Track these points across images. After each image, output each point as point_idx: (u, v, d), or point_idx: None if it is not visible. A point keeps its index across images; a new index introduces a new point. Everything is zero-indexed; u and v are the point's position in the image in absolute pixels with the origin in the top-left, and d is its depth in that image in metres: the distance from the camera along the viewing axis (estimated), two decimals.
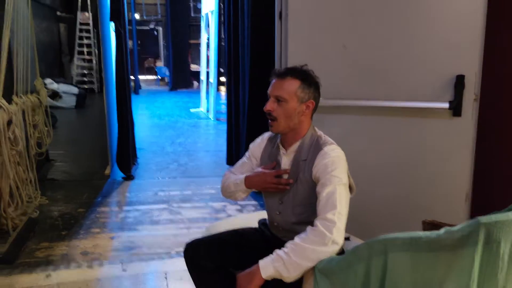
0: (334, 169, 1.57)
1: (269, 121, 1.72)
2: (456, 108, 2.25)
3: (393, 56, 2.34)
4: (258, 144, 1.91)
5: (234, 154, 5.13)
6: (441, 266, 1.12)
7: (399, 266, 1.16)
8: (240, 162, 1.95)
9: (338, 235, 1.46)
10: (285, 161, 1.77)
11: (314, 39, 2.42)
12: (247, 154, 1.94)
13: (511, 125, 2.34)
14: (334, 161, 1.60)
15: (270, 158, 1.83)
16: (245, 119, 4.45)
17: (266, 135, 1.90)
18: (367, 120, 2.42)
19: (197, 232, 3.43)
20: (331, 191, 1.53)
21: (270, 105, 1.68)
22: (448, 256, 1.11)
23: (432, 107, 2.28)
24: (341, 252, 1.76)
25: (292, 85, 1.67)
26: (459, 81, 2.23)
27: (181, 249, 3.11)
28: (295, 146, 1.74)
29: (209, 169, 5.52)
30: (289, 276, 1.50)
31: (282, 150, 1.78)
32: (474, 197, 2.39)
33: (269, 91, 1.71)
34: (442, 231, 1.12)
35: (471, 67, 2.23)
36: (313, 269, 1.47)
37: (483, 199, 2.42)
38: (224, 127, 8.46)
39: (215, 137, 7.75)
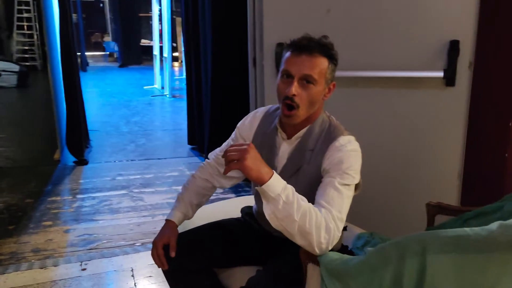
0: (349, 166, 1.30)
1: (286, 108, 1.35)
2: (449, 77, 2.06)
3: (382, 21, 2.11)
4: (250, 123, 1.58)
5: (196, 133, 4.82)
6: (493, 269, 0.92)
7: (440, 271, 0.94)
8: (225, 143, 1.66)
9: (332, 243, 1.21)
10: (285, 148, 1.46)
11: (293, 2, 2.15)
12: (233, 134, 1.63)
13: (503, 95, 2.19)
14: (351, 156, 1.32)
15: (264, 141, 1.51)
16: (209, 96, 4.13)
17: (260, 111, 1.59)
18: (353, 92, 2.19)
19: (163, 220, 3.14)
20: (341, 190, 1.26)
21: (296, 89, 1.33)
22: (502, 256, 0.91)
23: (426, 76, 2.08)
24: (342, 248, 1.55)
25: (322, 64, 1.34)
26: (453, 47, 2.04)
27: (147, 240, 2.88)
28: (301, 133, 1.44)
29: (170, 150, 5.18)
30: (275, 214, 1.18)
31: (281, 135, 1.47)
32: (464, 174, 2.24)
33: (290, 68, 1.33)
34: (494, 226, 0.91)
35: (466, 31, 2.04)
36: (318, 269, 1.24)
37: (474, 176, 2.27)
38: (181, 104, 8.15)
39: (172, 115, 7.37)
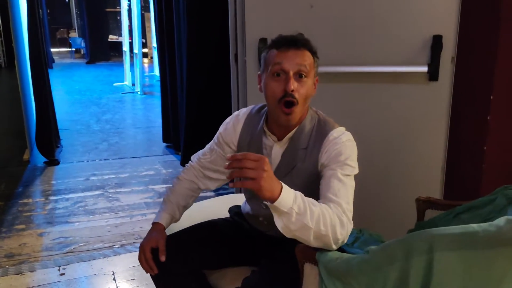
0: (348, 157, 1.28)
1: (285, 106, 1.30)
2: (433, 72, 2.07)
3: (365, 16, 2.10)
4: (233, 126, 1.51)
5: (171, 131, 4.73)
6: (500, 263, 0.91)
7: (447, 268, 0.93)
8: (208, 147, 1.59)
9: (347, 235, 1.19)
10: (277, 150, 1.41)
11: None
12: (216, 139, 1.56)
13: (482, 89, 2.22)
14: (347, 146, 1.31)
15: (252, 145, 1.45)
16: (184, 94, 4.04)
17: (242, 113, 1.52)
18: (337, 88, 2.18)
19: (142, 220, 3.07)
20: (344, 181, 1.24)
21: (293, 83, 1.28)
22: (509, 250, 0.90)
23: (410, 71, 2.09)
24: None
25: (310, 57, 1.33)
26: (436, 42, 2.05)
27: (127, 241, 2.80)
28: (291, 133, 1.39)
29: (144, 148, 5.07)
30: (289, 228, 1.11)
31: (271, 138, 1.42)
32: (447, 167, 2.27)
33: (283, 64, 1.29)
34: (502, 222, 0.90)
35: (449, 26, 2.05)
36: (315, 268, 1.21)
37: (456, 170, 2.30)
38: (153, 101, 8.02)
39: (144, 112, 7.23)
